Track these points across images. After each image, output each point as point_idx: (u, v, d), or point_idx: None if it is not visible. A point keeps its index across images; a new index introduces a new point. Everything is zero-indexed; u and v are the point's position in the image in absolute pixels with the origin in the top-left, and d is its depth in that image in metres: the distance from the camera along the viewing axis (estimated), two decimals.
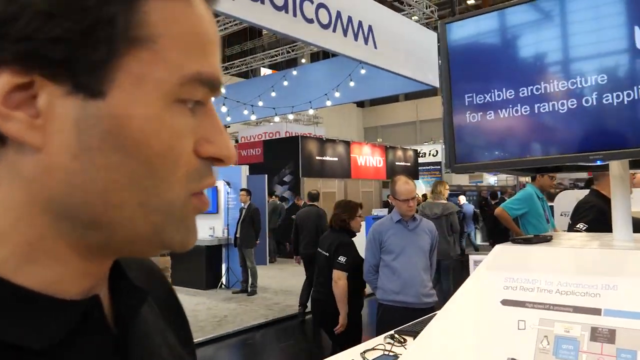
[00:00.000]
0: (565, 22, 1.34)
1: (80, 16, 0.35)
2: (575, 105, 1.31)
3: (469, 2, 14.20)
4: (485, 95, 1.44)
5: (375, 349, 1.99)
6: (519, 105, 1.39)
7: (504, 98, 1.41)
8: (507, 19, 1.42)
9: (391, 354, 1.94)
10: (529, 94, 1.37)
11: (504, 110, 1.41)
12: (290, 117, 15.89)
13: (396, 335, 2.10)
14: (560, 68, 1.35)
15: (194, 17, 0.40)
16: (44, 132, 0.36)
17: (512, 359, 1.28)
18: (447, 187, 6.74)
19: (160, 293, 0.58)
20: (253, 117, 14.57)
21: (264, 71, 16.51)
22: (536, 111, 1.36)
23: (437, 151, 20.82)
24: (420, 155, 20.70)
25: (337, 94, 11.44)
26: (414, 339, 2.07)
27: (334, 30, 6.56)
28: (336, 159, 15.11)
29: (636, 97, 1.22)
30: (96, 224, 0.39)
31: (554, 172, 2.67)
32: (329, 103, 12.24)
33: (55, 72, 0.35)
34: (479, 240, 14.55)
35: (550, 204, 5.16)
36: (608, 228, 2.40)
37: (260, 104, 13.61)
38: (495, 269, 1.44)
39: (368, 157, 16.40)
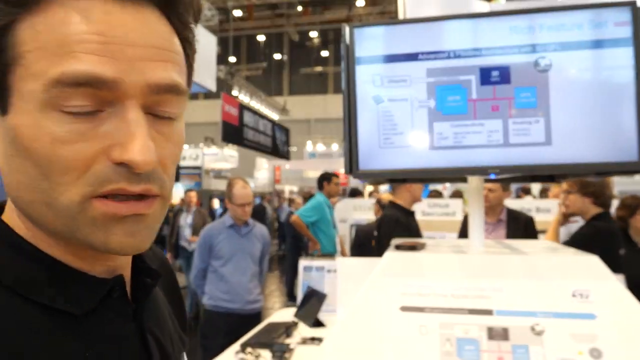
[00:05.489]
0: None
1: None
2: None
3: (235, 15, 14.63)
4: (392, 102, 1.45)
5: None
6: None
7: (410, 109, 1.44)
8: (410, 30, 1.46)
9: None
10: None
11: (406, 119, 1.44)
12: None
13: (250, 350, 1.96)
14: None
15: (65, 23, 0.41)
16: None
17: None
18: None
19: (167, 282, 0.66)
20: None
21: None
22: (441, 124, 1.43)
23: (197, 155, 20.45)
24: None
25: None
26: (270, 351, 1.96)
27: None
28: None
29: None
30: (29, 218, 0.46)
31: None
32: None
33: None
34: None
35: None
36: (407, 236, 2.78)
37: None
38: (391, 276, 1.46)
39: None
